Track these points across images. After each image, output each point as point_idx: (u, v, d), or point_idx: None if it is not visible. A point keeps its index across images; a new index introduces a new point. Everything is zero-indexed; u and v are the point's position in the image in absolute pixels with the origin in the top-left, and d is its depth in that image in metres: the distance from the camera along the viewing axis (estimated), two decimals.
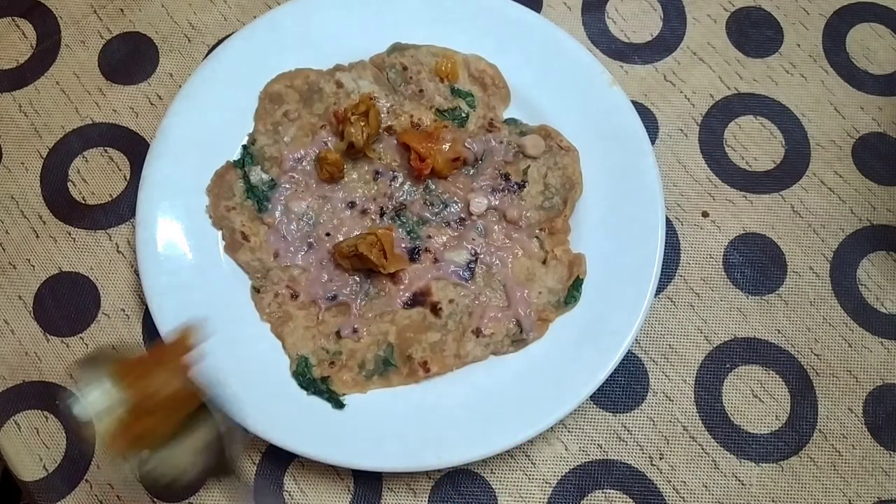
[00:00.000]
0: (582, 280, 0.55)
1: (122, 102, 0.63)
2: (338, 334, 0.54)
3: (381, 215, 0.57)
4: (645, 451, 0.54)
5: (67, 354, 0.56)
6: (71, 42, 0.65)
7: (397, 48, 0.61)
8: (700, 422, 0.54)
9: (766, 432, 0.54)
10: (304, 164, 0.58)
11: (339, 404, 0.52)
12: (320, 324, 0.54)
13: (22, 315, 0.57)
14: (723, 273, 0.58)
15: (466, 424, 0.51)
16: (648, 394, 0.55)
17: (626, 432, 0.54)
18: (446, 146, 0.57)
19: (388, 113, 0.59)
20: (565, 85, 0.59)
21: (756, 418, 0.54)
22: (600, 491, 0.53)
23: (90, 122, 0.62)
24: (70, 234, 0.59)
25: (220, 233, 0.56)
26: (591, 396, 0.53)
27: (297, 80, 0.60)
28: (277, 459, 0.53)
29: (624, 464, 0.53)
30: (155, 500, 0.53)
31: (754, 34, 0.64)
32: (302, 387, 0.53)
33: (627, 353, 0.54)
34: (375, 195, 0.58)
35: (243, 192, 0.57)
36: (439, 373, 0.53)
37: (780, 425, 0.54)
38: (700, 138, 0.61)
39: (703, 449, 0.54)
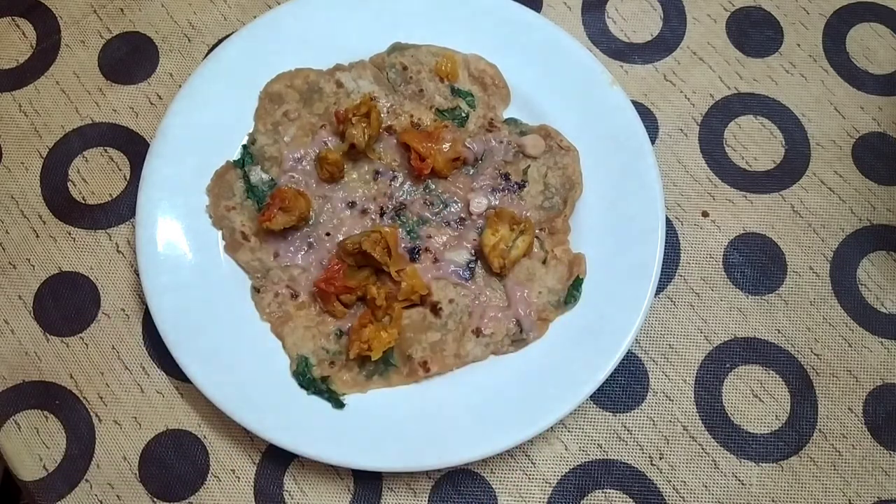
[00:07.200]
0: (582, 280, 0.55)
1: (122, 102, 0.63)
2: (338, 334, 0.54)
3: (381, 215, 0.57)
4: (645, 451, 0.54)
5: (67, 354, 0.56)
6: (71, 42, 0.65)
7: (397, 48, 0.61)
8: (700, 422, 0.54)
9: (766, 432, 0.54)
10: (304, 163, 0.58)
11: (339, 404, 0.52)
12: (320, 324, 0.54)
13: (22, 315, 0.57)
14: (723, 273, 0.58)
15: (466, 424, 0.51)
16: (648, 394, 0.55)
17: (626, 432, 0.54)
18: (446, 146, 0.57)
19: (388, 113, 0.59)
20: (565, 85, 0.59)
21: (756, 418, 0.54)
22: (600, 491, 0.53)
23: (90, 121, 0.62)
24: (70, 233, 0.59)
25: (220, 233, 0.56)
26: (591, 396, 0.53)
27: (297, 80, 0.60)
28: (277, 459, 0.53)
29: (624, 464, 0.53)
30: (155, 499, 0.53)
31: (754, 34, 0.64)
32: (302, 387, 0.53)
33: (627, 352, 0.54)
34: (375, 195, 0.58)
35: (243, 191, 0.57)
36: (439, 372, 0.53)
37: (780, 425, 0.54)
38: (700, 138, 0.61)
39: (703, 449, 0.54)
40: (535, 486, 0.53)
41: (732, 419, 0.54)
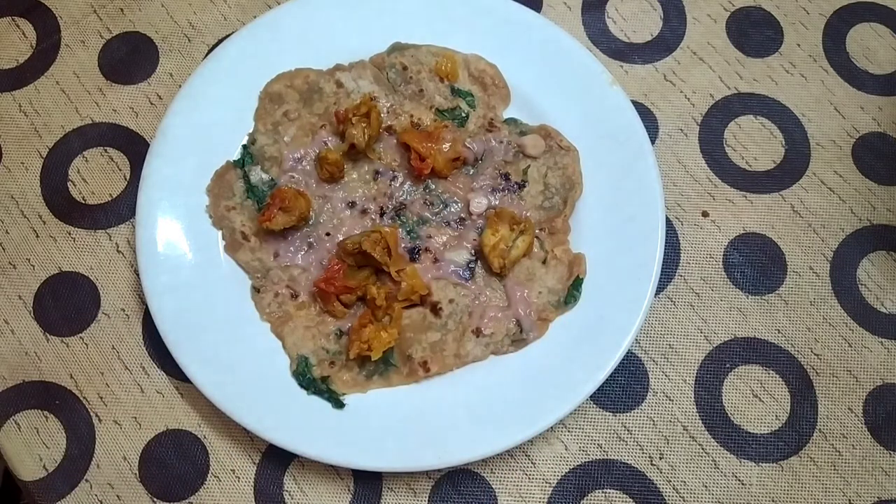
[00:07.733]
0: (582, 280, 0.55)
1: (122, 102, 0.63)
2: (338, 334, 0.54)
3: (381, 215, 0.57)
4: (645, 451, 0.54)
5: (67, 354, 0.56)
6: (71, 42, 0.65)
7: (397, 48, 0.61)
8: (700, 422, 0.54)
9: (766, 432, 0.54)
10: (304, 163, 0.58)
11: (339, 404, 0.52)
12: (320, 324, 0.54)
13: (22, 315, 0.57)
14: (723, 273, 0.58)
15: (466, 424, 0.51)
16: (648, 394, 0.55)
17: (626, 432, 0.54)
18: (446, 146, 0.57)
19: (388, 113, 0.59)
20: (565, 85, 0.59)
21: (756, 418, 0.54)
22: (600, 491, 0.53)
23: (90, 121, 0.62)
24: (70, 233, 0.59)
25: (220, 233, 0.56)
26: (591, 396, 0.53)
27: (297, 80, 0.60)
28: (277, 459, 0.53)
29: (624, 464, 0.53)
30: (155, 499, 0.53)
31: (754, 34, 0.64)
32: (302, 387, 0.53)
33: (627, 352, 0.54)
34: (375, 195, 0.58)
35: (243, 191, 0.57)
36: (439, 372, 0.53)
37: (780, 425, 0.54)
38: (700, 138, 0.61)
39: (703, 449, 0.54)
40: (535, 486, 0.53)
41: (732, 419, 0.54)
